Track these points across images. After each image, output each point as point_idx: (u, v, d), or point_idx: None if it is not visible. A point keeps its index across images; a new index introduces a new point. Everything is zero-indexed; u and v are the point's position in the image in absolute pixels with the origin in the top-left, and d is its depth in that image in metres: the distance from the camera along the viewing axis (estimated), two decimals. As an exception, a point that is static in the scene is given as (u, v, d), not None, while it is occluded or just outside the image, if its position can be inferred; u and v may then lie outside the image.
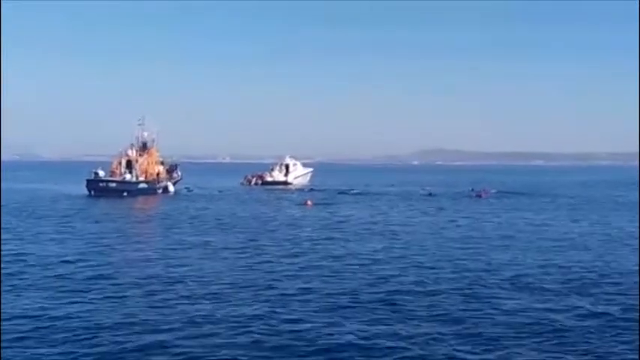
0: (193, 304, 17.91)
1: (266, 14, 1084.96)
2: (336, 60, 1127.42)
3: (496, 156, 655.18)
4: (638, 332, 15.64)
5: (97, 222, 40.27)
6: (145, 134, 73.83)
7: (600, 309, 17.77)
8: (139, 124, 73.71)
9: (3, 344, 14.10)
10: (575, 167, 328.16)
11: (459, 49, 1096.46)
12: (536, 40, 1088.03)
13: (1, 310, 16.70)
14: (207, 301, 18.20)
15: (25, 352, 13.75)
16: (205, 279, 21.55)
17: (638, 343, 14.81)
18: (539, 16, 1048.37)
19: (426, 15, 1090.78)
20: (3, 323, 15.60)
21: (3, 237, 30.81)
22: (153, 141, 74.12)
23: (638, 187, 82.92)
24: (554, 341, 14.88)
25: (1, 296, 18.34)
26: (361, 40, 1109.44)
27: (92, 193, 66.18)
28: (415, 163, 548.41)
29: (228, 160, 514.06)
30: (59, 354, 13.71)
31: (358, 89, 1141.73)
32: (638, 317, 16.92)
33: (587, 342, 14.93)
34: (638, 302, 18.58)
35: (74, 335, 14.89)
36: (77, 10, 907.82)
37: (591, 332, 15.70)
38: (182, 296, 18.91)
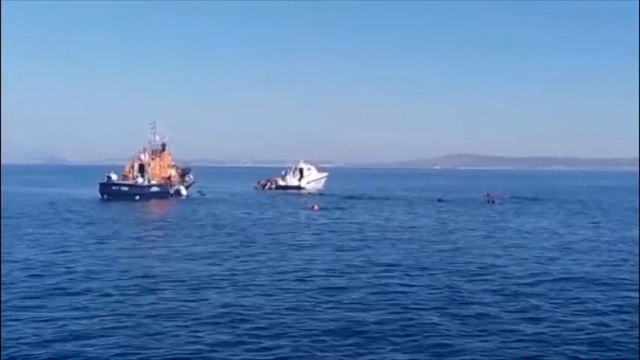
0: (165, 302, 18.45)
1: (289, 14, 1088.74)
2: (361, 63, 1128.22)
3: (518, 161, 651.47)
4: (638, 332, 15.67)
5: (98, 225, 40.73)
6: (157, 138, 74.94)
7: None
8: (151, 128, 74.86)
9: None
10: (595, 173, 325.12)
11: (479, 51, 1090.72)
12: (557, 41, 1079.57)
13: (1, 311, 17.00)
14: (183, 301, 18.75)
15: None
16: (176, 280, 22.01)
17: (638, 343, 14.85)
18: (560, 16, 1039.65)
19: (448, 17, 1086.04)
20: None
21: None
22: (165, 145, 75.19)
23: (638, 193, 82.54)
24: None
25: (1, 297, 18.61)
26: (384, 44, 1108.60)
27: (105, 196, 67.03)
28: (437, 167, 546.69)
29: (249, 164, 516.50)
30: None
31: (381, 93, 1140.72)
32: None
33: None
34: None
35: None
36: (85, 11, 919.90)
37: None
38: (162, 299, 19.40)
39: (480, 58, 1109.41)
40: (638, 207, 59.95)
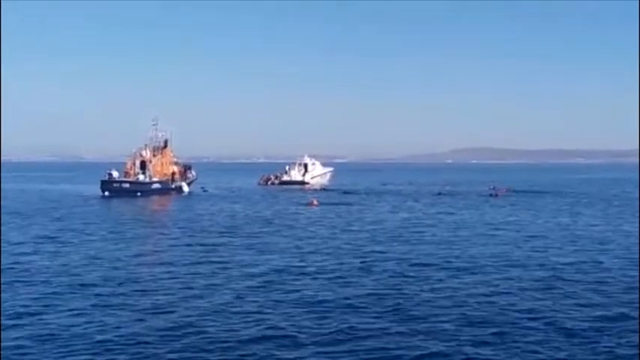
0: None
1: (314, 13, 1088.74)
2: (375, 60, 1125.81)
3: (533, 154, 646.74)
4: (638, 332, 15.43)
5: (86, 222, 40.83)
6: (160, 135, 74.98)
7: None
8: (153, 125, 74.68)
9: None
10: (610, 165, 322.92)
11: (491, 45, 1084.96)
12: (573, 36, 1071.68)
13: (1, 310, 16.94)
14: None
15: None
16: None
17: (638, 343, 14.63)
18: (568, 14, 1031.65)
19: (459, 13, 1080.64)
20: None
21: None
22: (167, 141, 75.32)
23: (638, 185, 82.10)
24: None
25: (1, 296, 18.52)
26: (399, 41, 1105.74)
27: (106, 193, 67.23)
28: (450, 161, 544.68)
29: (262, 160, 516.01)
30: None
31: (396, 88, 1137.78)
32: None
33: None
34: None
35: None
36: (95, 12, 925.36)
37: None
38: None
39: (490, 52, 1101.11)
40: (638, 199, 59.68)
